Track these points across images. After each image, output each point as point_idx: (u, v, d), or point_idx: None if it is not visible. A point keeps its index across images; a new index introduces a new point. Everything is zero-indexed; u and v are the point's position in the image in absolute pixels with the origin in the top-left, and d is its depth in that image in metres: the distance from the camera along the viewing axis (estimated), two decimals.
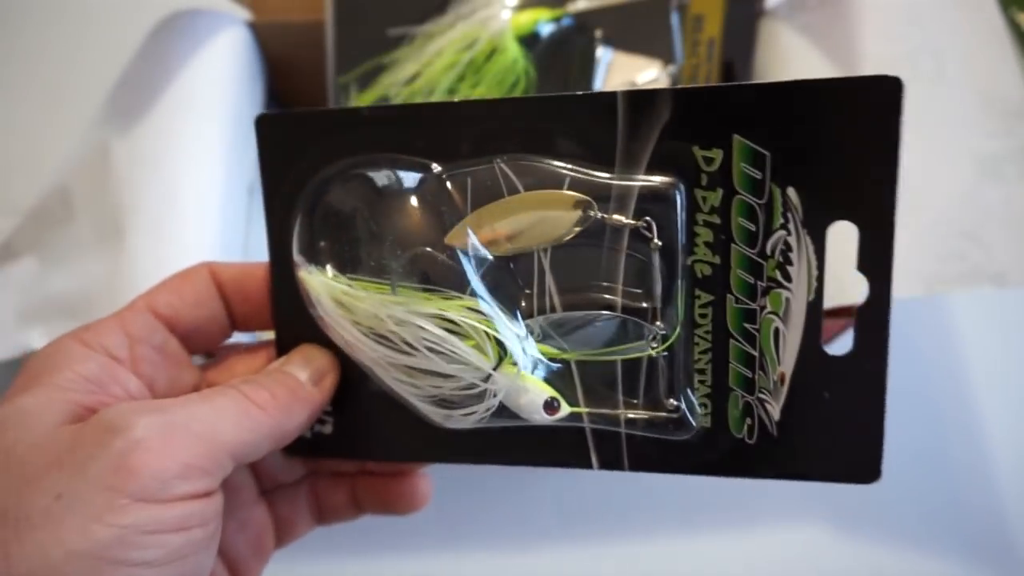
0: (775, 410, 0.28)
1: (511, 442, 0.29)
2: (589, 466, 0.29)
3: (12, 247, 0.47)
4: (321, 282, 0.29)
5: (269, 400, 0.27)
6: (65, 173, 0.47)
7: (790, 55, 0.50)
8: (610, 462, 0.29)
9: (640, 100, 0.27)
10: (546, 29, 0.50)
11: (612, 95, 0.27)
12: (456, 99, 0.30)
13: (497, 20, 0.49)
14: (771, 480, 0.28)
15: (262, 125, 0.31)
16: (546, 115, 0.28)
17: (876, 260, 0.26)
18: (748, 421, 0.28)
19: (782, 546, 0.50)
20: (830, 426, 0.27)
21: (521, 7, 0.50)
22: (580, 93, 0.28)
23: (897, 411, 0.53)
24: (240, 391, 0.27)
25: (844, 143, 0.26)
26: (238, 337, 0.33)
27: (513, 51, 0.48)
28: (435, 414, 0.29)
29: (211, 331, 0.31)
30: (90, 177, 0.46)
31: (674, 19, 0.50)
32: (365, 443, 0.31)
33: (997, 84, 0.47)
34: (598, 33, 0.50)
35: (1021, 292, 0.57)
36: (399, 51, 0.51)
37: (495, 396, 0.28)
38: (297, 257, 0.30)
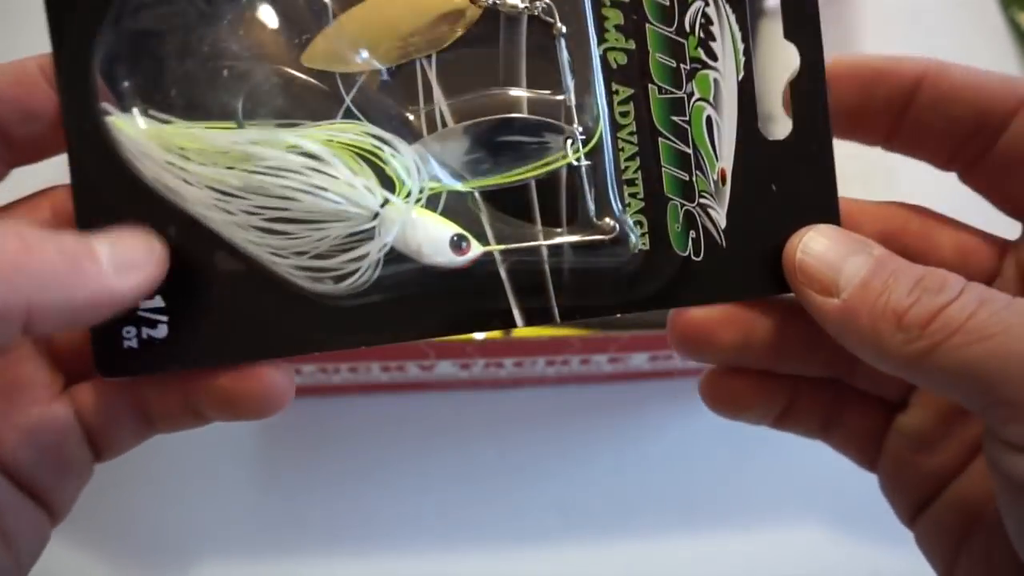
0: (720, 215, 0.24)
1: (410, 311, 0.24)
2: (512, 323, 0.24)
3: None
4: (143, 127, 0.23)
5: (32, 250, 0.19)
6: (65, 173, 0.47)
7: (790, 55, 0.50)
8: (537, 314, 0.24)
9: None
10: None
11: None
12: None
13: None
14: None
15: None
16: None
17: (801, 24, 0.23)
18: (692, 234, 0.24)
19: (782, 546, 0.50)
20: (783, 224, 0.23)
21: None
22: None
23: None
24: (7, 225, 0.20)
25: None
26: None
27: None
28: (315, 281, 0.23)
29: None
30: None
31: None
32: (219, 343, 0.24)
33: None
34: None
35: None
36: None
37: (387, 238, 0.23)
38: (104, 103, 0.23)
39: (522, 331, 0.51)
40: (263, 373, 0.24)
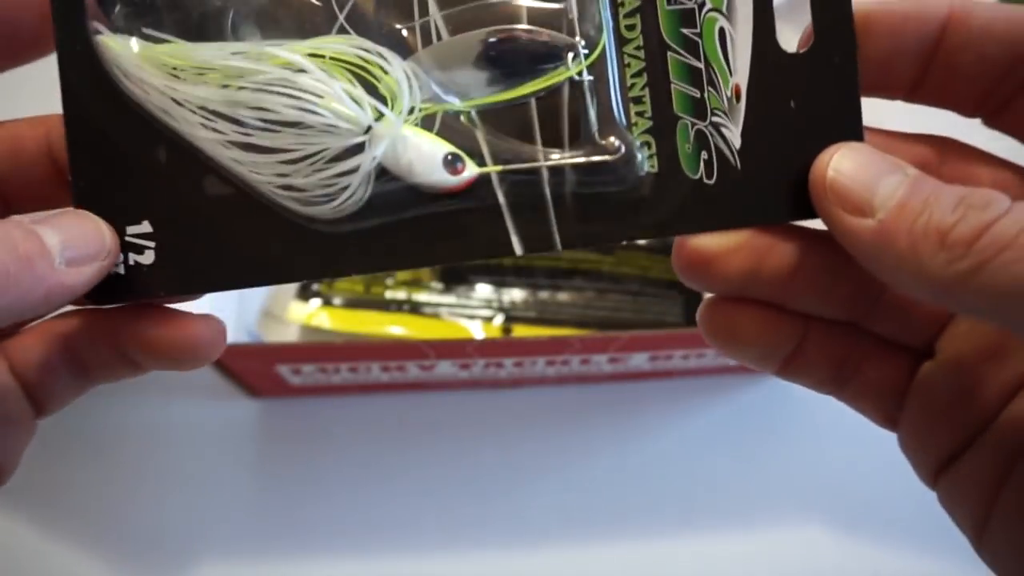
0: (734, 135, 0.22)
1: (403, 238, 0.23)
2: (510, 251, 0.22)
3: None
4: (135, 47, 0.22)
5: None
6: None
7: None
8: (536, 241, 0.22)
9: None
10: None
11: None
12: None
13: None
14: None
15: None
16: None
17: None
18: (704, 155, 0.22)
19: (782, 546, 0.50)
20: (804, 144, 0.22)
21: None
22: None
23: None
24: None
25: None
26: None
27: None
28: (304, 203, 0.22)
29: None
30: None
31: None
32: (205, 269, 0.23)
33: None
34: None
35: None
36: None
37: (376, 152, 0.22)
38: (93, 22, 0.22)
39: (522, 331, 0.51)
40: (188, 324, 0.23)
